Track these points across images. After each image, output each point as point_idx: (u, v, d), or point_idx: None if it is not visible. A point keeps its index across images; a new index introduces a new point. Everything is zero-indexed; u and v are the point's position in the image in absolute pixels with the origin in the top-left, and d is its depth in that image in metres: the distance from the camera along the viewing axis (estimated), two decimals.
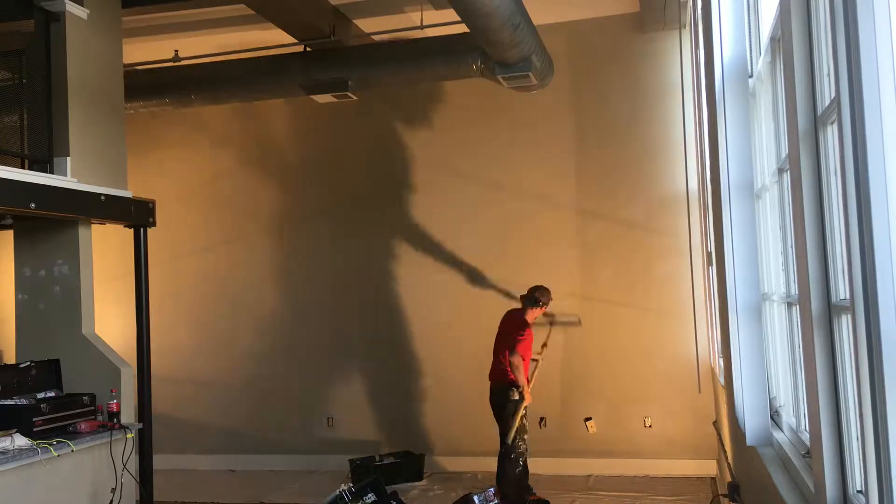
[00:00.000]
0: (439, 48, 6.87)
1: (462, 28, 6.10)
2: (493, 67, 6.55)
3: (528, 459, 6.61)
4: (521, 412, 6.55)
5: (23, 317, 5.77)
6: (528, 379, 6.64)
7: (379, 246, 8.33)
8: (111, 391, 5.39)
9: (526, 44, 6.11)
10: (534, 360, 6.90)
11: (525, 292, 6.88)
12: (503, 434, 6.57)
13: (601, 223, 7.77)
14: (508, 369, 6.56)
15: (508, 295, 7.64)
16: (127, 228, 5.92)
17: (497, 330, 6.88)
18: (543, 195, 7.89)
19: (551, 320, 7.38)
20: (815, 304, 2.24)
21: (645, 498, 6.78)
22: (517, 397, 6.53)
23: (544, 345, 7.15)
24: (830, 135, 2.22)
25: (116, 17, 6.06)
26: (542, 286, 6.87)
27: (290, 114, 8.55)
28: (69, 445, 4.81)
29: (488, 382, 6.80)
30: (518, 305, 6.96)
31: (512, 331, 6.67)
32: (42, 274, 5.69)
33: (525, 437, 6.57)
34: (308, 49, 7.14)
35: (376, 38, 7.42)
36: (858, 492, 2.10)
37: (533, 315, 6.79)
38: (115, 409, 5.29)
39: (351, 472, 7.54)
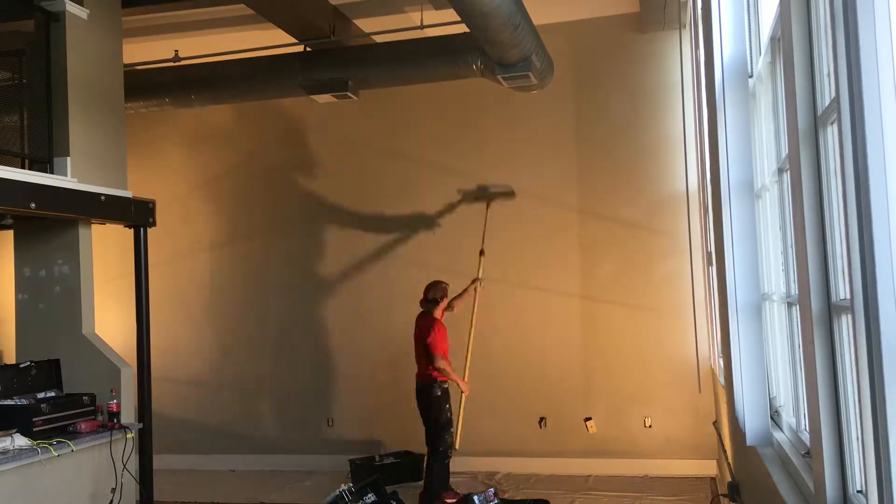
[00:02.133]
0: (439, 48, 6.87)
1: (462, 28, 6.09)
2: (493, 67, 6.55)
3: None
4: (460, 405, 6.73)
5: (23, 317, 5.78)
6: (472, 307, 6.88)
7: (378, 246, 8.33)
8: (111, 391, 5.40)
9: (526, 44, 6.11)
10: (472, 288, 7.10)
11: (425, 296, 6.80)
12: (429, 435, 6.59)
13: (601, 223, 7.77)
14: (435, 374, 6.54)
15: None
16: (127, 228, 5.92)
17: (413, 333, 6.82)
18: (543, 195, 7.89)
19: (487, 199, 7.42)
20: (815, 304, 2.24)
21: (645, 498, 6.78)
22: (440, 393, 6.54)
23: (476, 279, 7.22)
24: (830, 135, 2.22)
25: (116, 17, 6.06)
26: (432, 283, 6.85)
27: (290, 114, 8.55)
28: (69, 445, 4.81)
29: (468, 383, 6.95)
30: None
31: (424, 336, 6.60)
32: (42, 274, 5.70)
33: (451, 430, 6.61)
34: (308, 49, 7.14)
35: (376, 38, 7.42)
36: (858, 492, 2.10)
37: (440, 311, 6.76)
38: (115, 409, 5.30)
39: (351, 472, 7.53)
